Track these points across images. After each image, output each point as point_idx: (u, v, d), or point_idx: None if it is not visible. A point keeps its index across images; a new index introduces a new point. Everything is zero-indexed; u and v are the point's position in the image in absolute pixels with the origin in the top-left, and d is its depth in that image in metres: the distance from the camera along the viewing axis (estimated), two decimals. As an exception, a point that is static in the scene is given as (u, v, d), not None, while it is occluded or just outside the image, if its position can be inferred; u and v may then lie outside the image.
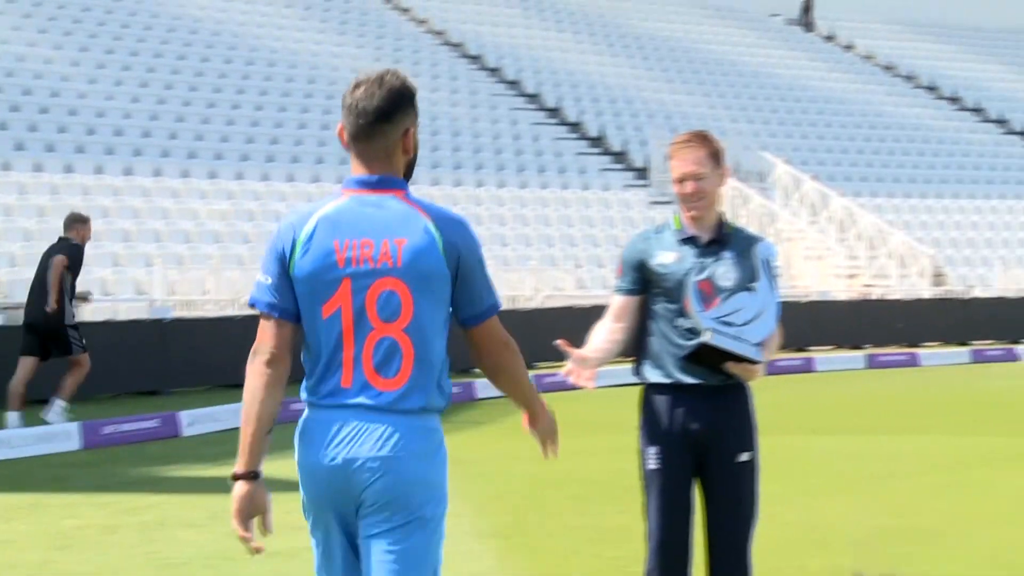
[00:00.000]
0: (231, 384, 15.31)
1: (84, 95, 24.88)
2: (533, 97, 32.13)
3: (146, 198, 21.55)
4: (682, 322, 4.50)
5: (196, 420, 11.89)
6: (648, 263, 4.55)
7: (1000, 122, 38.28)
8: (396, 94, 3.39)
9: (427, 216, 3.36)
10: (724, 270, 4.49)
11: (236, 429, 11.52)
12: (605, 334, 4.57)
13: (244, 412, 3.40)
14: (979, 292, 25.42)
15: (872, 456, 10.49)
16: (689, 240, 4.57)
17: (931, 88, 40.03)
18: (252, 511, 3.37)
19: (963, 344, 22.07)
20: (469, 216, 22.65)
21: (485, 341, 3.45)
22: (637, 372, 4.64)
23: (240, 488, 3.37)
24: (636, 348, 4.63)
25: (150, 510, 8.14)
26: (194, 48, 28.80)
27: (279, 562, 6.73)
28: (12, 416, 11.71)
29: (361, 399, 3.32)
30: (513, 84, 32.79)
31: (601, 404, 14.10)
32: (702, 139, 4.56)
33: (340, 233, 3.34)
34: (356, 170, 3.44)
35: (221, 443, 11.31)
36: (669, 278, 4.52)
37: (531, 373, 3.71)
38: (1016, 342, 22.52)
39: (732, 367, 4.42)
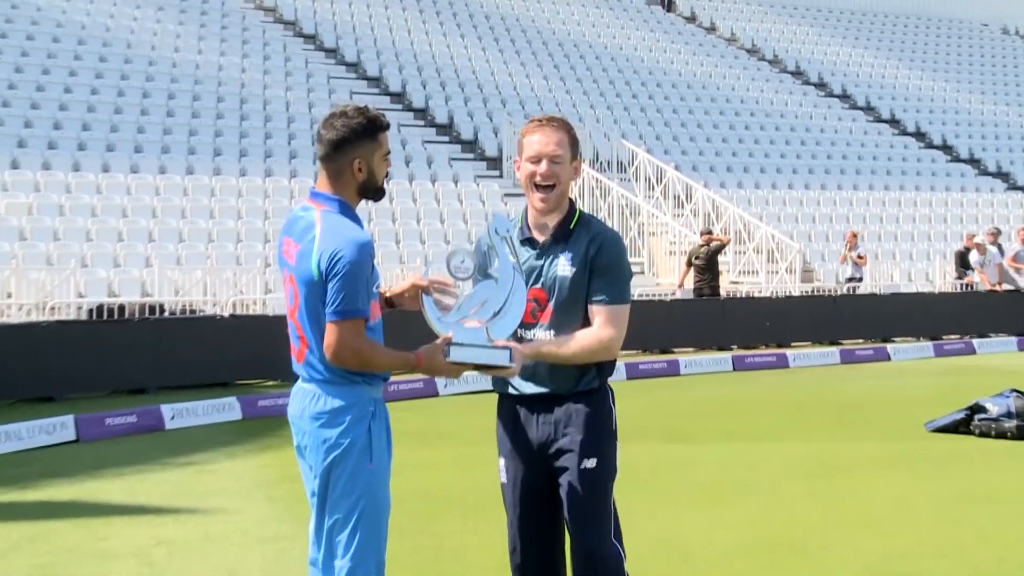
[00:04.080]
0: (36, 397, 14.90)
1: None
2: (375, 81, 32.03)
3: (-61, 191, 20.89)
4: (520, 332, 4.56)
5: (-2, 439, 11.54)
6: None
7: (868, 109, 39.36)
8: (349, 129, 4.35)
9: (319, 230, 4.26)
10: (553, 277, 4.54)
11: (42, 448, 11.25)
12: None
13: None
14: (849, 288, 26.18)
15: (735, 464, 10.74)
16: (527, 242, 4.61)
17: (796, 73, 41.03)
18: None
19: (833, 343, 22.57)
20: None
21: (327, 339, 4.26)
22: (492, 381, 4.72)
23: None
24: None
25: (-55, 541, 7.90)
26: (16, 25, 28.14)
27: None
28: None
29: (295, 366, 4.43)
30: (353, 67, 32.65)
31: (449, 413, 14.16)
32: (562, 122, 4.62)
33: (286, 231, 4.43)
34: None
35: (25, 463, 11.01)
36: None
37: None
38: (887, 340, 23.16)
39: (485, 371, 4.46)
